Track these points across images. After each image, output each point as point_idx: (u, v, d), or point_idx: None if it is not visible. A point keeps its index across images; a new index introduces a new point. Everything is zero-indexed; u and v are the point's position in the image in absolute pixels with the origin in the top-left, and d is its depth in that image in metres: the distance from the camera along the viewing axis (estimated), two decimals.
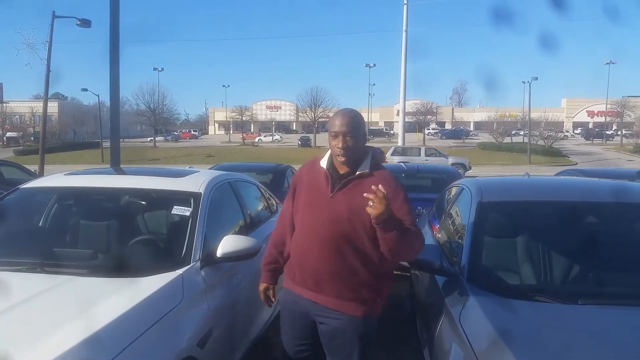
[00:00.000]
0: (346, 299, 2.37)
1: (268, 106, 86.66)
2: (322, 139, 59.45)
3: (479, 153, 44.57)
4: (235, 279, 3.15)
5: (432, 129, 70.96)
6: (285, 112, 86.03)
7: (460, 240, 3.15)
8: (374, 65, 68.12)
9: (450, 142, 58.14)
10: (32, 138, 62.29)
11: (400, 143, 48.63)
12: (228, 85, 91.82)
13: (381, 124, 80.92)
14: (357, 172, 2.38)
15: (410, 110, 61.16)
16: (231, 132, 74.94)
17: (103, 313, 2.07)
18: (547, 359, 1.99)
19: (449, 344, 2.37)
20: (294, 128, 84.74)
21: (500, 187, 3.92)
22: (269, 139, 67.37)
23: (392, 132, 71.29)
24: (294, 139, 61.96)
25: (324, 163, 2.47)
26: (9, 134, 67.72)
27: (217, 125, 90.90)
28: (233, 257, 2.85)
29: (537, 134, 47.46)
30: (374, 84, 72.15)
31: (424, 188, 7.50)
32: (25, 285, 2.36)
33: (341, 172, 2.41)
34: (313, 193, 2.46)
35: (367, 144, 2.48)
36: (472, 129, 76.97)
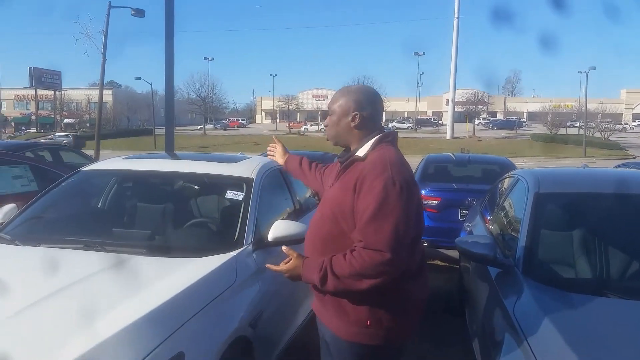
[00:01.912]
0: (331, 313, 1.98)
1: (314, 95, 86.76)
2: None
3: (532, 144, 43.18)
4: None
5: (483, 119, 69.18)
6: None
7: (514, 232, 3.08)
8: (424, 53, 67.01)
9: (502, 133, 56.57)
10: (88, 124, 64.97)
11: (449, 134, 47.79)
12: (275, 75, 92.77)
13: (429, 114, 79.55)
14: (352, 157, 2.00)
15: (460, 100, 59.84)
16: (278, 120, 75.63)
17: (162, 290, 2.15)
18: (608, 356, 1.92)
19: (501, 336, 2.32)
20: None
21: (558, 178, 3.80)
22: (315, 127, 67.53)
23: (440, 122, 70.02)
24: None
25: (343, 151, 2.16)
26: (66, 121, 70.80)
27: (264, 114, 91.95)
28: (284, 242, 2.86)
29: (594, 125, 45.49)
30: (422, 73, 70.55)
31: (475, 179, 7.32)
32: (88, 263, 2.48)
33: (343, 158, 2.09)
34: (326, 185, 2.26)
35: (388, 129, 2.11)
36: (525, 119, 74.57)
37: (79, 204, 3.60)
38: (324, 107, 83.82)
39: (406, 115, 75.85)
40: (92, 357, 1.74)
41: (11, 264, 2.57)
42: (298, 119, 78.39)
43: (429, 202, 6.32)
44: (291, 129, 64.61)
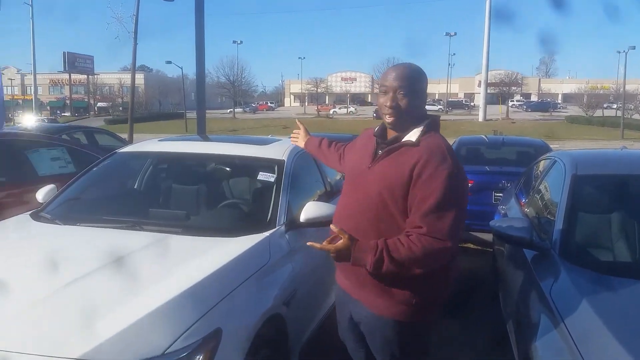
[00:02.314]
0: (372, 294, 1.98)
1: (343, 78, 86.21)
2: None
3: (567, 127, 42.06)
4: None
5: (517, 100, 67.56)
6: (361, 84, 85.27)
7: (550, 215, 3.02)
8: (455, 34, 65.75)
9: (536, 115, 55.21)
10: (120, 108, 66.25)
11: (481, 116, 46.92)
12: (304, 57, 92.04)
13: (461, 96, 78.16)
14: (403, 140, 1.96)
15: (493, 81, 58.56)
16: (306, 104, 75.52)
17: (198, 268, 2.20)
18: None
19: (537, 318, 2.30)
20: (369, 100, 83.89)
21: (596, 160, 3.70)
22: (344, 110, 67.21)
23: (472, 104, 68.73)
24: (368, 111, 61.37)
25: (376, 130, 2.12)
26: (100, 104, 72.32)
27: (292, 97, 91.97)
28: (315, 223, 2.89)
29: (632, 107, 43.91)
30: (454, 54, 69.51)
31: (509, 161, 7.18)
32: (127, 242, 2.54)
33: (388, 139, 2.03)
34: (356, 165, 2.11)
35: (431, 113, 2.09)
36: (560, 101, 72.54)
37: (116, 184, 3.70)
38: (353, 90, 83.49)
39: (437, 97, 74.71)
40: (134, 330, 1.80)
41: (53, 242, 2.66)
42: (327, 102, 78.08)
43: None
44: (320, 112, 64.47)
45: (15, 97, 72.77)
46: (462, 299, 3.96)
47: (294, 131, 2.79)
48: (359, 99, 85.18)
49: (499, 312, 3.55)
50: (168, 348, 1.77)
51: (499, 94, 60.79)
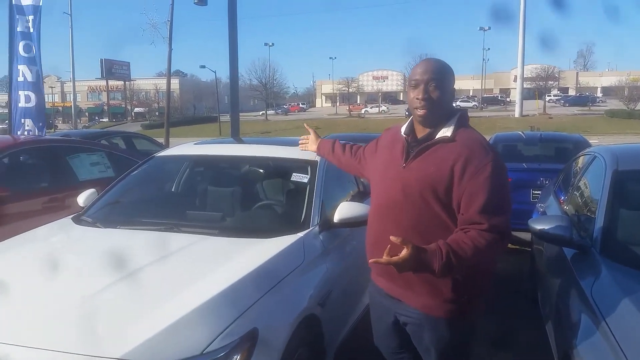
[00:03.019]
0: (421, 293, 1.95)
1: (374, 77, 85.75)
2: None
3: (607, 121, 40.73)
4: (350, 245, 3.21)
5: (554, 95, 65.77)
6: (392, 82, 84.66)
7: (591, 213, 2.94)
8: (489, 28, 64.38)
9: (575, 110, 53.65)
10: (157, 113, 67.71)
11: (517, 112, 45.92)
12: (335, 57, 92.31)
13: (496, 92, 76.61)
14: (437, 137, 1.94)
15: (529, 76, 57.17)
16: (337, 104, 75.48)
17: (235, 269, 2.24)
18: None
19: (577, 318, 2.24)
20: (401, 98, 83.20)
21: (638, 155, 3.58)
22: (375, 110, 66.87)
23: (508, 99, 67.32)
24: (401, 110, 60.89)
25: (403, 129, 2.08)
26: (136, 110, 74.11)
27: (324, 97, 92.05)
28: (349, 223, 2.90)
29: None
30: (488, 49, 67.93)
31: (547, 158, 7.00)
32: (166, 243, 2.60)
33: (419, 137, 2.00)
34: (386, 165, 2.07)
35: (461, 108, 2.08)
36: (599, 94, 70.26)
37: (154, 188, 3.79)
38: (384, 89, 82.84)
39: (471, 94, 73.44)
40: (174, 330, 1.85)
41: (95, 245, 2.75)
42: (358, 102, 77.85)
43: None
44: (351, 112, 64.36)
45: (55, 104, 75.33)
46: (501, 299, 3.90)
47: (302, 137, 2.80)
48: (390, 98, 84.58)
49: (538, 312, 3.48)
50: (207, 347, 1.81)
51: (535, 88, 59.32)
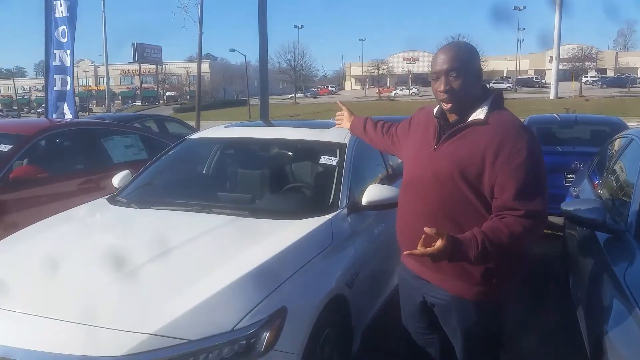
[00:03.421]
0: (450, 275, 1.94)
1: (405, 58, 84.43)
2: None
3: None
4: (379, 228, 3.22)
5: (591, 76, 63.63)
6: (424, 64, 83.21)
7: (626, 197, 2.87)
8: (524, 7, 62.46)
9: (612, 91, 51.82)
10: (188, 97, 68.53)
11: (552, 93, 44.70)
12: (365, 39, 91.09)
13: (531, 73, 74.59)
14: (470, 120, 1.90)
15: (566, 57, 55.37)
16: (367, 86, 74.83)
17: (265, 249, 2.28)
18: None
19: (609, 303, 2.21)
20: None
21: None
22: (406, 92, 66.00)
23: (543, 81, 65.50)
24: (431, 92, 59.76)
25: (435, 110, 2.04)
26: (168, 93, 75.13)
27: (353, 80, 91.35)
28: (377, 206, 2.90)
29: None
30: (523, 29, 65.76)
31: (582, 141, 6.81)
32: (198, 224, 2.67)
33: (451, 121, 1.97)
34: (418, 147, 2.05)
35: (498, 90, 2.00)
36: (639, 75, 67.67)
37: (186, 170, 3.87)
38: (415, 70, 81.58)
39: (505, 75, 71.68)
40: (206, 308, 1.91)
41: (129, 224, 2.84)
42: (388, 84, 76.98)
43: None
44: (381, 95, 63.71)
45: (89, 88, 76.98)
46: (532, 284, 3.86)
47: (337, 113, 2.80)
48: (421, 80, 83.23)
49: (569, 298, 3.43)
50: (237, 324, 1.86)
51: (571, 70, 57.46)
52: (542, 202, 1.80)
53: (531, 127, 7.14)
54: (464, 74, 1.87)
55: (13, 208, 4.06)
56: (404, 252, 1.89)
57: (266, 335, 1.90)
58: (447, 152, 1.91)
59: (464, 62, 1.88)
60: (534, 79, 67.64)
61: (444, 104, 1.93)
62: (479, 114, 1.89)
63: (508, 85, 61.87)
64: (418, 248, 1.76)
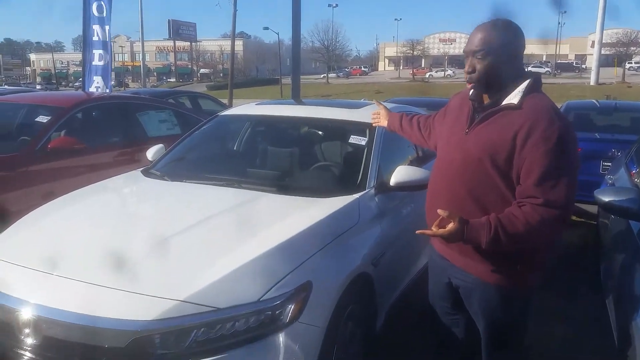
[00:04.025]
0: (474, 259, 1.93)
1: (441, 39, 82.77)
2: None
3: None
4: (405, 210, 3.22)
5: (635, 62, 61.14)
6: (460, 45, 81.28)
7: None
8: None
9: None
10: (221, 74, 68.98)
11: (593, 79, 43.25)
12: (400, 19, 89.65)
13: (571, 57, 72.17)
14: (503, 103, 1.84)
15: (609, 42, 53.28)
16: (401, 67, 73.79)
17: (292, 225, 2.32)
18: None
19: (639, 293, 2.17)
20: None
21: None
22: (441, 74, 64.82)
23: (583, 66, 63.31)
24: None
25: (471, 92, 1.99)
26: (202, 71, 75.74)
27: (387, 61, 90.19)
28: (405, 187, 2.89)
29: None
30: (564, 11, 63.45)
31: (621, 128, 6.59)
32: (228, 198, 2.72)
33: (485, 103, 1.93)
34: (451, 129, 2.04)
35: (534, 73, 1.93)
36: None
37: (218, 145, 3.93)
38: (451, 52, 79.87)
39: (544, 59, 69.57)
40: (233, 278, 1.96)
41: (163, 196, 2.92)
42: (422, 65, 75.71)
43: None
44: (415, 76, 62.75)
45: (125, 63, 78.20)
46: (562, 272, 3.82)
47: (373, 112, 2.81)
48: (457, 62, 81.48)
49: (600, 287, 3.38)
50: (263, 296, 1.91)
51: (614, 55, 55.32)
52: (565, 193, 1.71)
53: (569, 113, 6.97)
54: (492, 55, 1.81)
55: (51, 177, 4.21)
56: (417, 231, 1.91)
57: (291, 307, 1.94)
58: (478, 136, 1.88)
59: (493, 43, 1.81)
60: (574, 64, 65.43)
61: (468, 85, 1.90)
62: (513, 97, 1.83)
63: (547, 69, 60.09)
64: (432, 228, 1.79)
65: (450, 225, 1.76)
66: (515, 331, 2.08)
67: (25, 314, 1.94)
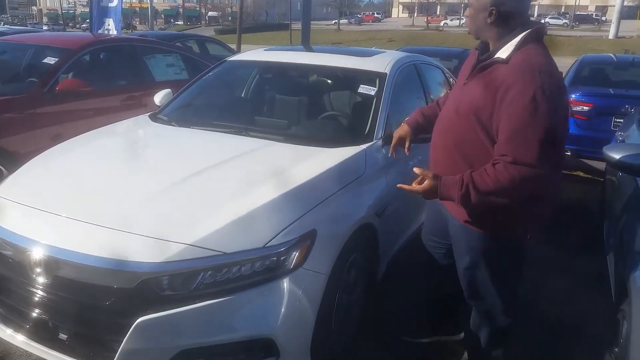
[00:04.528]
0: (461, 207, 1.95)
1: None
2: None
3: None
4: (412, 162, 3.20)
5: None
6: None
7: None
8: None
9: None
10: (229, 18, 67.43)
11: (612, 32, 41.89)
12: None
13: (591, 9, 69.63)
14: (494, 57, 1.86)
15: None
16: (415, 15, 71.66)
17: (298, 174, 2.34)
18: None
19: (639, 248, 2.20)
20: None
21: None
22: (456, 22, 62.94)
23: (603, 18, 61.20)
24: None
25: (479, 44, 2.04)
26: (210, 14, 74.01)
27: (401, 7, 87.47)
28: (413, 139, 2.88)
29: None
30: None
31: (637, 85, 6.46)
32: (235, 145, 2.73)
33: (482, 56, 1.97)
34: (458, 81, 2.11)
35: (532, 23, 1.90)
36: None
37: (225, 91, 3.90)
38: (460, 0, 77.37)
39: (563, 10, 67.22)
40: (240, 223, 2.00)
41: (170, 142, 2.93)
42: (438, 13, 73.49)
43: (579, 108, 5.77)
44: (429, 24, 61.00)
45: (132, 5, 76.50)
46: (565, 227, 3.85)
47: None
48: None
49: (602, 244, 3.41)
50: (269, 242, 1.95)
51: (638, 6, 53.33)
52: (537, 152, 1.69)
53: (583, 67, 6.81)
54: (477, 9, 1.90)
55: (58, 120, 4.22)
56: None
57: (295, 254, 1.98)
58: (469, 91, 1.91)
59: None
60: (594, 16, 63.23)
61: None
62: (504, 52, 1.83)
63: (565, 21, 58.20)
64: (412, 184, 1.92)
65: (426, 182, 1.87)
66: (499, 281, 2.12)
67: (36, 253, 1.98)
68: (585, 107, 5.77)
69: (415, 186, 1.91)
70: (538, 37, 1.85)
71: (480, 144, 1.86)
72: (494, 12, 1.85)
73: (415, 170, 1.90)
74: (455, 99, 2.02)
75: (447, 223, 2.18)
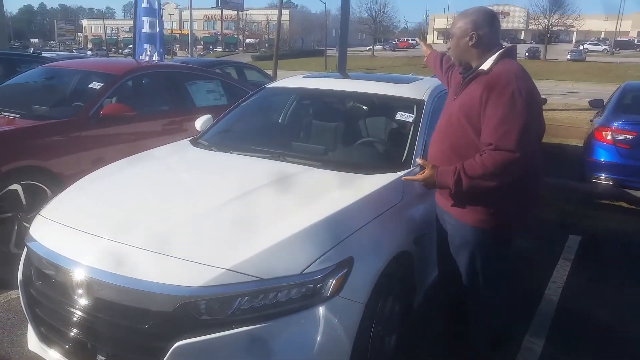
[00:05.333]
0: (457, 204, 2.31)
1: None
2: (553, 50, 52.91)
3: None
4: None
5: None
6: (514, 19, 78.34)
7: None
8: None
9: None
10: (266, 45, 68.90)
11: None
12: None
13: (632, 35, 68.20)
14: (478, 70, 2.24)
15: None
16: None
17: (335, 200, 2.33)
18: None
19: None
20: (522, 37, 76.99)
21: None
22: None
23: None
24: (520, 50, 56.24)
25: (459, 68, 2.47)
26: (248, 40, 75.82)
27: (436, 33, 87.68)
28: None
29: None
30: None
31: None
32: (274, 170, 2.75)
33: (467, 72, 2.34)
34: (449, 97, 2.51)
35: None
36: None
37: (264, 117, 3.96)
38: (505, 26, 77.13)
39: (602, 36, 66.06)
40: (277, 250, 2.00)
41: (210, 166, 2.98)
42: None
43: (621, 137, 5.60)
44: None
45: (173, 31, 79.11)
46: (611, 260, 3.70)
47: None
48: (509, 36, 78.44)
49: None
50: (306, 269, 1.94)
51: None
52: (516, 139, 2.02)
53: (626, 94, 6.65)
54: (459, 36, 2.30)
55: (101, 143, 4.34)
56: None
57: (332, 282, 1.97)
58: (459, 100, 2.28)
59: (462, 27, 2.29)
60: (636, 42, 61.87)
61: None
62: (485, 65, 2.22)
63: (604, 47, 57.13)
64: (416, 176, 2.31)
65: (426, 171, 2.25)
66: (491, 272, 2.38)
67: (78, 274, 2.02)
68: (628, 136, 5.60)
69: (417, 176, 2.29)
70: (511, 54, 2.27)
71: (472, 142, 2.18)
72: (474, 35, 2.26)
73: (418, 160, 2.33)
74: (447, 111, 2.38)
75: (446, 225, 2.45)
